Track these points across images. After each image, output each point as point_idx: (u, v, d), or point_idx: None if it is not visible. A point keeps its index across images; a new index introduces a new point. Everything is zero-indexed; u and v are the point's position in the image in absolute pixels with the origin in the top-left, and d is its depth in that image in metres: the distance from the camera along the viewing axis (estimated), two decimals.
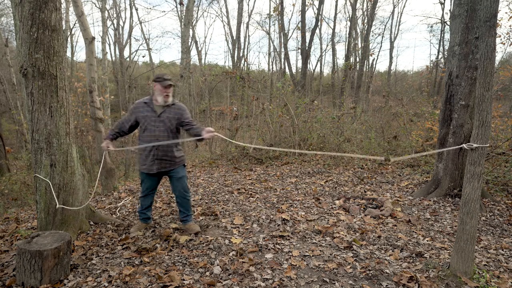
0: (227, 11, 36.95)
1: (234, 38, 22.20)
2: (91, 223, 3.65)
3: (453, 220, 3.88)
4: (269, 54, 21.72)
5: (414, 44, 53.78)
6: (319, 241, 3.29)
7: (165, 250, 3.08)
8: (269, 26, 20.73)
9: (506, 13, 19.37)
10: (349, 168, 6.87)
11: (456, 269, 2.54)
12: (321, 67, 32.72)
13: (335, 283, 2.54)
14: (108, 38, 21.57)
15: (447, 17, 19.80)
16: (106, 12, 16.66)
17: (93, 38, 6.89)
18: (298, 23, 20.96)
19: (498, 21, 5.91)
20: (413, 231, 3.57)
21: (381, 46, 34.48)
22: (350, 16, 19.36)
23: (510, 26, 25.31)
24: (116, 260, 2.89)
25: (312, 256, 2.97)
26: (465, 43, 4.31)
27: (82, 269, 2.73)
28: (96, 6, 29.17)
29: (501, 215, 4.04)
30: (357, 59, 20.52)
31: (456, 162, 4.46)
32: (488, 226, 3.74)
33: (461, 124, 4.36)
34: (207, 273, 2.69)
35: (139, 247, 3.07)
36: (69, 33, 15.47)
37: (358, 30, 21.98)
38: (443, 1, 20.42)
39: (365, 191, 5.14)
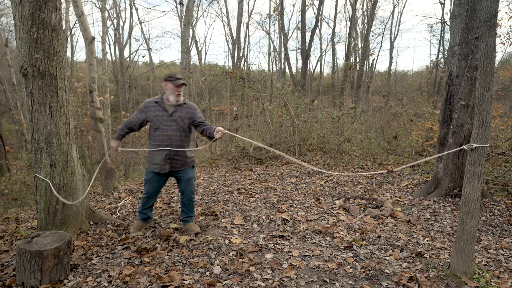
0: (227, 11, 36.98)
1: (234, 38, 22.21)
2: (91, 223, 3.65)
3: (453, 220, 3.88)
4: (269, 54, 21.74)
5: (414, 44, 53.85)
6: (319, 241, 3.29)
7: (165, 250, 3.08)
8: (269, 26, 20.74)
9: (506, 13, 19.39)
10: (349, 168, 6.87)
11: (456, 269, 2.54)
12: (321, 67, 32.77)
13: (335, 283, 2.54)
14: (108, 38, 21.60)
15: (447, 17, 19.81)
16: (106, 12, 16.66)
17: (93, 38, 6.89)
18: (298, 23, 20.97)
19: (498, 21, 5.91)
20: (413, 231, 3.57)
21: (381, 46, 34.54)
22: (350, 16, 19.37)
23: (510, 26, 25.32)
24: (116, 260, 2.89)
25: (312, 256, 2.97)
26: (465, 43, 4.31)
27: (82, 269, 2.73)
28: (96, 6, 29.19)
29: (501, 215, 4.04)
30: (357, 59, 20.53)
31: (456, 162, 4.46)
32: (488, 226, 3.74)
33: (461, 124, 4.36)
34: (207, 273, 2.69)
35: (139, 247, 3.07)
36: (69, 33, 15.48)
37: (358, 30, 21.99)
38: (443, 1, 20.43)
39: (365, 191, 5.14)
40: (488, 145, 2.67)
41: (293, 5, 36.87)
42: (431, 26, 31.44)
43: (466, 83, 4.30)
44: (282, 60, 20.38)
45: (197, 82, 13.95)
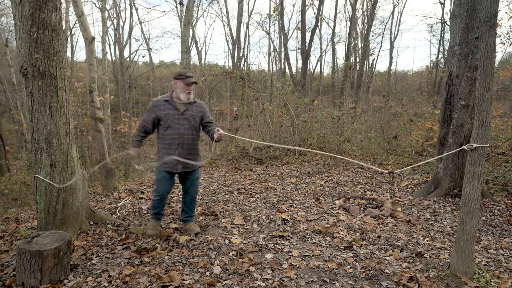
0: (227, 11, 37.00)
1: (234, 38, 22.22)
2: (91, 223, 3.65)
3: (453, 220, 3.88)
4: (269, 54, 21.76)
5: (414, 44, 53.87)
6: (319, 241, 3.29)
7: (165, 250, 3.08)
8: (269, 26, 20.77)
9: (506, 13, 19.41)
10: (349, 168, 6.87)
11: (456, 269, 2.54)
12: (321, 67, 32.76)
13: (335, 283, 2.54)
14: (108, 38, 21.61)
15: (447, 17, 19.81)
16: (106, 12, 16.66)
17: (93, 38, 6.89)
18: (298, 23, 20.97)
19: (498, 21, 5.91)
20: (413, 231, 3.57)
21: (381, 46, 34.56)
22: (350, 16, 19.37)
23: (510, 26, 25.33)
24: (116, 260, 2.89)
25: (312, 256, 2.97)
26: (465, 43, 4.31)
27: (82, 269, 2.73)
28: (96, 6, 29.19)
29: (501, 215, 4.04)
30: (357, 59, 20.53)
31: (456, 162, 4.46)
32: (488, 226, 3.74)
33: (461, 124, 4.36)
34: (207, 273, 2.69)
35: (139, 247, 3.07)
36: (69, 33, 15.47)
37: (358, 30, 22.00)
38: (443, 1, 20.43)
39: (365, 191, 5.14)
40: (488, 145, 2.67)
41: (293, 5, 36.96)
42: (431, 26, 31.48)
43: (466, 83, 4.30)
44: (282, 60, 20.41)
45: (197, 82, 13.93)
